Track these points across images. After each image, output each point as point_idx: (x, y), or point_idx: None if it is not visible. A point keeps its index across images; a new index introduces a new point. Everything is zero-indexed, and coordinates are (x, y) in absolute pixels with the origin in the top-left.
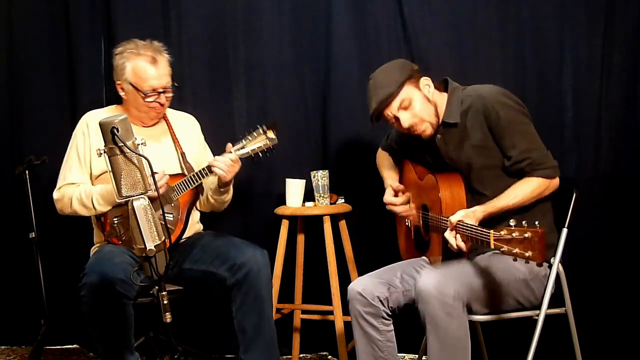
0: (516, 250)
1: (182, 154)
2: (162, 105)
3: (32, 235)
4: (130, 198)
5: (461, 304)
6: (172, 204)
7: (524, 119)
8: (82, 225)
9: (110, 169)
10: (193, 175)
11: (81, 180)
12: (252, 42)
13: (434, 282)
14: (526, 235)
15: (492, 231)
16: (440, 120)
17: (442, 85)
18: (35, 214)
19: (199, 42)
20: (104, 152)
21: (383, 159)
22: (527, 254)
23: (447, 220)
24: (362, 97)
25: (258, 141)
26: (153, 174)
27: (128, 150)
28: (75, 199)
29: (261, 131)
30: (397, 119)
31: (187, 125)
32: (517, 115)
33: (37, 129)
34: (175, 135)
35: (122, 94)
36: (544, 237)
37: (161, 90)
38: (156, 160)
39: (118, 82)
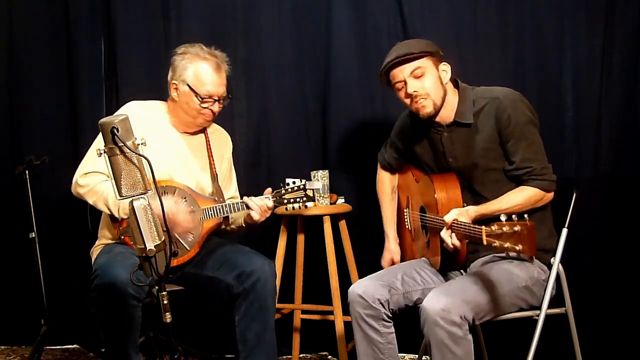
0: (507, 244)
1: (215, 175)
2: (213, 113)
3: (32, 235)
4: (131, 198)
5: (467, 327)
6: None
7: (533, 128)
8: (82, 225)
9: (110, 169)
10: (226, 205)
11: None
12: (252, 42)
13: (439, 308)
14: (515, 228)
15: (483, 227)
16: (452, 119)
17: (452, 83)
18: (35, 214)
19: (199, 42)
20: (104, 152)
21: (383, 190)
22: (517, 248)
23: (443, 221)
24: (362, 98)
25: (296, 195)
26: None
27: (128, 150)
28: (102, 201)
29: (302, 187)
30: (405, 84)
31: (221, 143)
32: (527, 123)
33: (37, 129)
34: (211, 152)
35: (174, 94)
36: (533, 229)
37: (217, 98)
38: (189, 173)
39: (174, 81)
